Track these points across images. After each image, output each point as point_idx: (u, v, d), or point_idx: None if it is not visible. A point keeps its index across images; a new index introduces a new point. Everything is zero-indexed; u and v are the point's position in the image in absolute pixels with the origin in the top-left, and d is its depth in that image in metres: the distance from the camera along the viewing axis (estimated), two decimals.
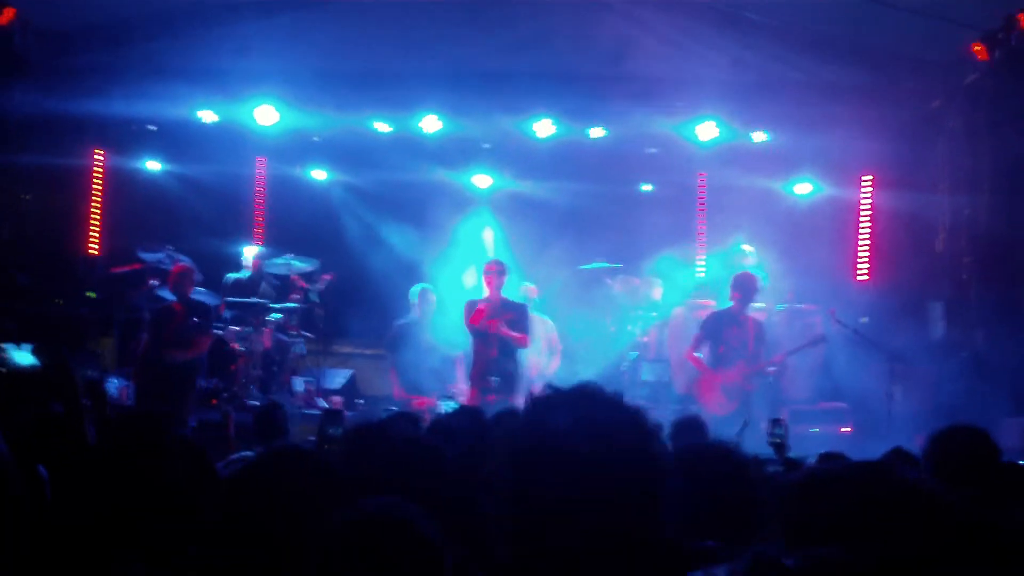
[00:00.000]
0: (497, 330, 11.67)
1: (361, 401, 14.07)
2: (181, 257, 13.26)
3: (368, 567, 2.47)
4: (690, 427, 6.79)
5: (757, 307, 13.49)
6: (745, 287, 11.76)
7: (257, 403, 12.55)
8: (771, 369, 11.71)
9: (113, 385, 12.54)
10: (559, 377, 13.14)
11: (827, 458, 5.83)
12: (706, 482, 3.72)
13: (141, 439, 4.76)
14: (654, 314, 13.76)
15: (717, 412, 11.20)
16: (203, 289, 13.36)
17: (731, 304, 11.81)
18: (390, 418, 7.57)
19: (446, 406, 11.34)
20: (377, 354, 13.93)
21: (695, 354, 11.88)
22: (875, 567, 2.01)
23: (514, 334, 11.75)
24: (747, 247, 13.93)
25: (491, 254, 13.93)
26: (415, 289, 13.24)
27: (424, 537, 2.54)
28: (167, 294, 12.76)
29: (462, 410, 6.72)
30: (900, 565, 2.00)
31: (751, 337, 11.62)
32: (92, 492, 4.49)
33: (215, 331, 13.30)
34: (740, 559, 2.00)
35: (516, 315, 11.94)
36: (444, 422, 6.14)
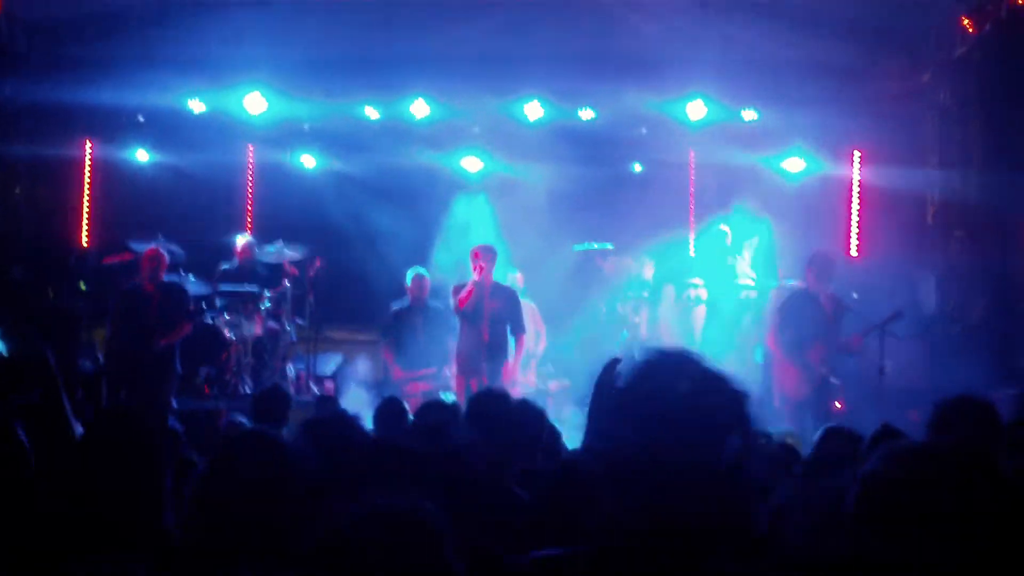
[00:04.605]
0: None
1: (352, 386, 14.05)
2: (170, 246, 13.16)
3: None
4: None
5: (747, 287, 13.49)
6: (819, 265, 11.31)
7: (249, 391, 12.54)
8: (856, 349, 11.21)
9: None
10: (548, 358, 13.25)
11: (834, 432, 5.76)
12: None
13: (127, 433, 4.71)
14: (645, 294, 13.69)
15: (794, 396, 11.08)
16: (194, 279, 13.35)
17: (807, 284, 11.43)
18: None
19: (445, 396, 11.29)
20: (369, 339, 13.91)
21: (774, 339, 11.45)
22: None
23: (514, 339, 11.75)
24: (724, 227, 13.94)
25: (482, 237, 13.85)
26: (409, 273, 13.24)
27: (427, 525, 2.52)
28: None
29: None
30: None
31: (828, 317, 11.18)
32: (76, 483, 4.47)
33: (207, 319, 13.26)
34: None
35: (507, 302, 11.81)
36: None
